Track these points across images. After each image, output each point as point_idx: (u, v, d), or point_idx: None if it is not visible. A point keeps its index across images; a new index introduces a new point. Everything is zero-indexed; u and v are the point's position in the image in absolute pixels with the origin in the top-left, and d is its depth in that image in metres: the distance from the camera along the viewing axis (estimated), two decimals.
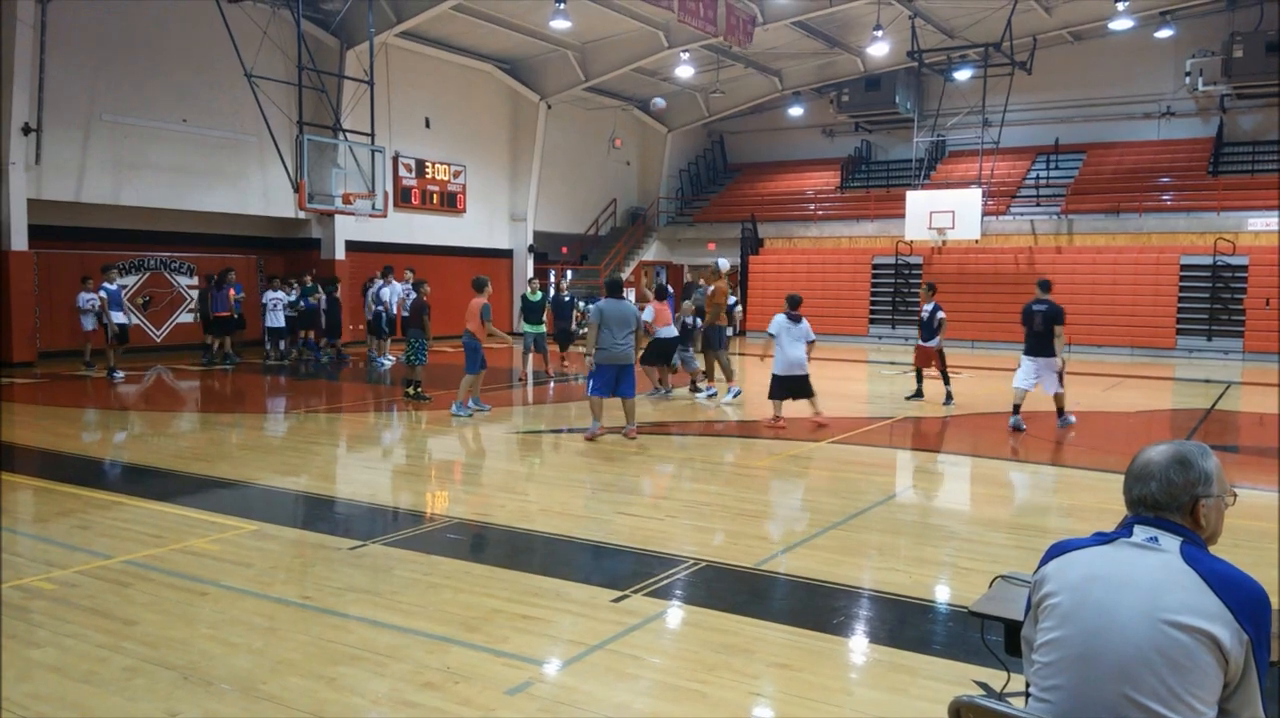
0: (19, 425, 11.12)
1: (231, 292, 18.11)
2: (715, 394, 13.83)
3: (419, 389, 13.32)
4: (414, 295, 13.86)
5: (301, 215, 20.95)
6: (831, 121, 31.39)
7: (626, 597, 5.25)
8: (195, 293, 18.41)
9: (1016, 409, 11.48)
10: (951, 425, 12.37)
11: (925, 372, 13.97)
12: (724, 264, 14.95)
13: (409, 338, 13.45)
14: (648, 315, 12.69)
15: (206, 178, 19.51)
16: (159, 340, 20.17)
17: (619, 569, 5.84)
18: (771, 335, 11.23)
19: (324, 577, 5.60)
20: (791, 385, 11.21)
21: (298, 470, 8.96)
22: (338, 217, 21.30)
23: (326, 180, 19.52)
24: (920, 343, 13.76)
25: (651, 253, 31.26)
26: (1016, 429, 11.27)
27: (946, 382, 13.64)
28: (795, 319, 11.18)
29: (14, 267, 16.62)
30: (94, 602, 5.06)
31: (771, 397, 11.35)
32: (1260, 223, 23.38)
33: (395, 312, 18.70)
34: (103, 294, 16.00)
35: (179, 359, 18.52)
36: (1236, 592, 2.08)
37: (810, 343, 11.24)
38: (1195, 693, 2.06)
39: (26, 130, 16.46)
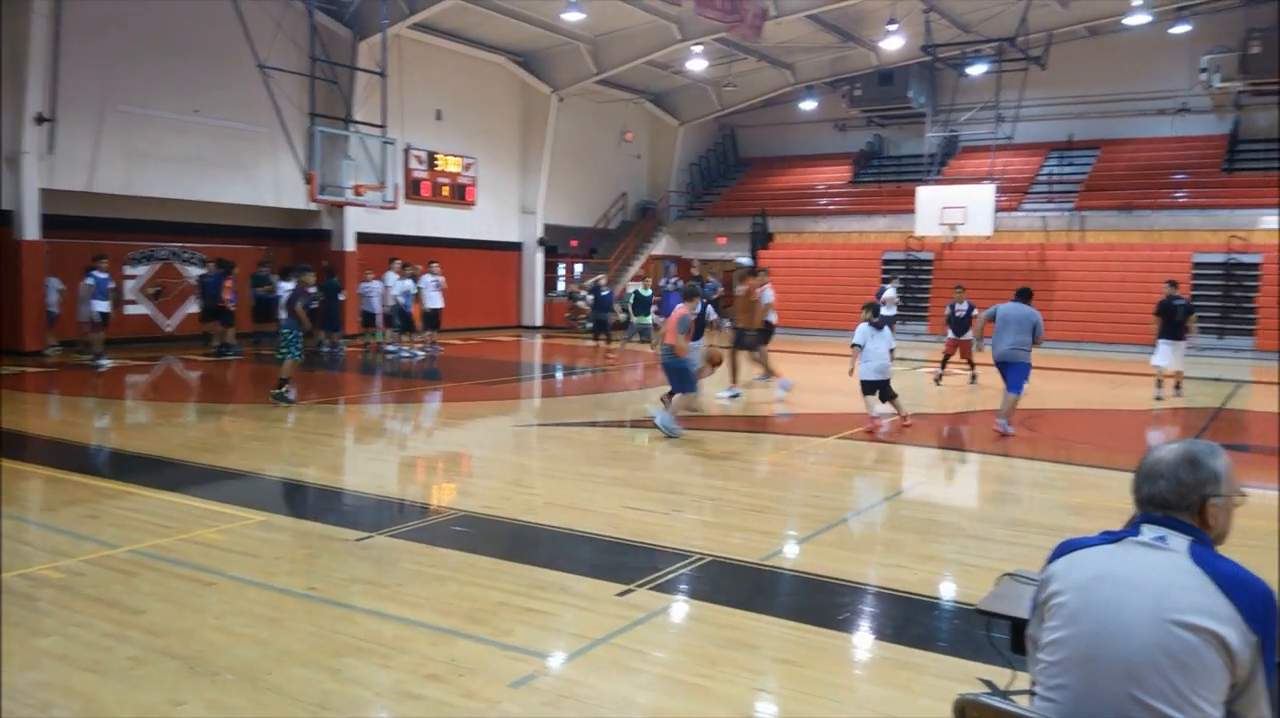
0: (29, 414, 11.17)
1: (229, 283, 18.14)
2: (738, 395, 13.56)
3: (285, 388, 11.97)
4: (291, 286, 12.71)
5: (312, 207, 20.98)
6: (843, 116, 31.28)
7: (631, 591, 5.24)
8: (207, 282, 18.37)
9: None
10: (958, 422, 12.33)
11: (952, 360, 16.01)
12: (744, 262, 14.75)
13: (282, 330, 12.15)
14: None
15: (218, 168, 19.54)
16: (169, 331, 20.24)
17: (624, 563, 5.83)
18: (857, 345, 11.07)
19: (329, 568, 5.61)
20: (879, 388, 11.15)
21: (306, 462, 8.98)
22: (349, 208, 21.33)
23: (337, 172, 19.56)
24: (953, 337, 15.97)
25: (661, 247, 31.22)
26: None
27: (972, 366, 15.74)
28: (878, 326, 11.13)
29: (26, 256, 16.68)
30: (100, 591, 5.08)
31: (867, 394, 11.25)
32: (1274, 220, 23.21)
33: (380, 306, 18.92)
34: (90, 282, 15.95)
35: (190, 350, 18.57)
36: (1244, 592, 2.06)
37: (891, 350, 11.46)
38: (1202, 694, 2.04)
39: (40, 120, 16.51)
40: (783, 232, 29.80)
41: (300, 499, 7.66)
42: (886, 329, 11.25)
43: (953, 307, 15.99)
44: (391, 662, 4.24)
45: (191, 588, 5.19)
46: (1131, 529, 2.25)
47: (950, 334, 16.06)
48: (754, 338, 13.64)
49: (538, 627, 4.73)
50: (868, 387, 11.12)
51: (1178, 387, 14.58)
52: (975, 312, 15.20)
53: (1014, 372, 10.65)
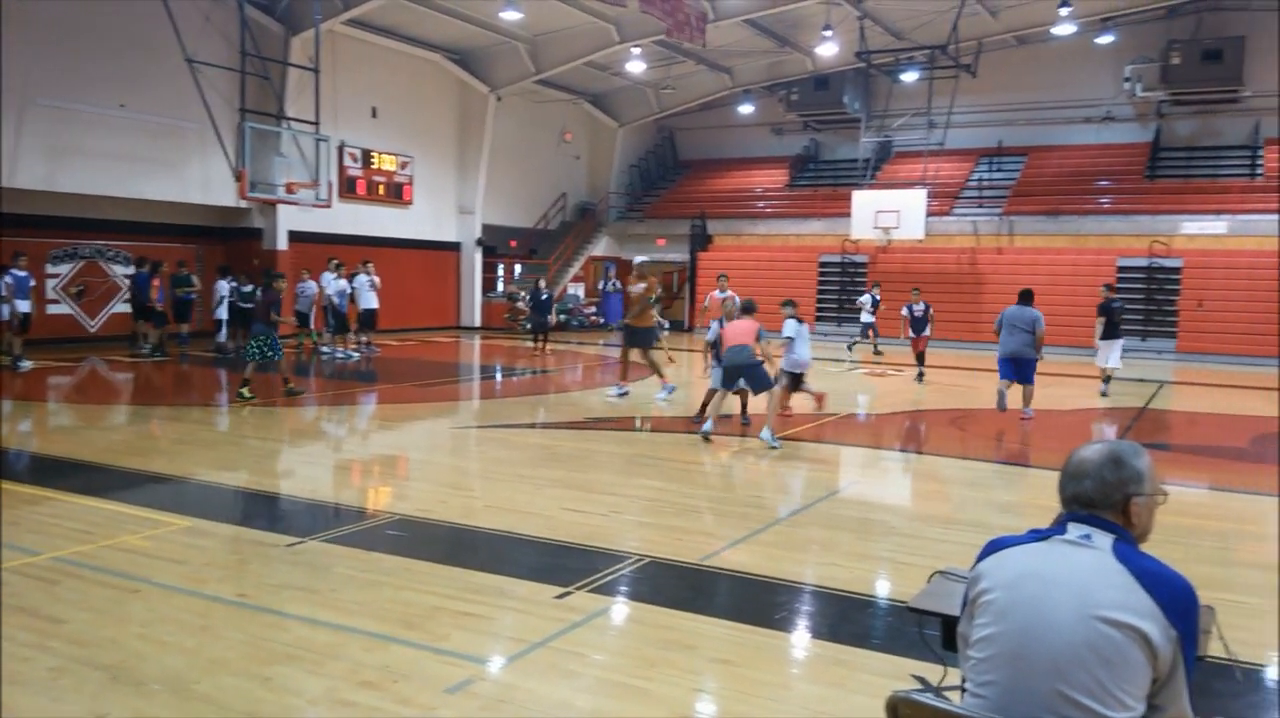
0: None
1: (156, 282, 17.68)
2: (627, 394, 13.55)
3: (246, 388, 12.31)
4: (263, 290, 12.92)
5: (243, 205, 20.54)
6: (781, 120, 31.59)
7: (569, 593, 5.22)
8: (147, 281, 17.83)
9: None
10: (894, 422, 12.54)
11: (878, 358, 17.38)
12: (640, 260, 14.67)
13: (255, 332, 12.50)
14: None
15: (145, 165, 19.00)
16: (94, 331, 19.64)
17: (563, 566, 5.80)
18: (790, 338, 11.47)
19: (260, 574, 5.49)
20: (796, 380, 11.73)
21: (236, 465, 8.78)
22: (280, 206, 20.92)
23: (269, 169, 19.19)
24: (914, 335, 17.15)
25: (601, 248, 31.20)
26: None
27: (920, 361, 16.88)
28: (801, 321, 11.68)
29: None
30: (20, 600, 4.90)
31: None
32: (1194, 226, 24.05)
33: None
34: (9, 280, 15.37)
35: (116, 350, 18.04)
36: (1166, 589, 2.12)
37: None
38: (1125, 688, 2.10)
39: None
40: (722, 234, 29.99)
41: (230, 504, 7.49)
42: (805, 326, 11.71)
43: (910, 307, 17.17)
44: (324, 669, 4.16)
45: (116, 596, 5.04)
46: (1058, 528, 2.30)
47: (911, 333, 17.21)
48: (642, 337, 13.50)
49: (474, 631, 4.69)
50: (788, 378, 11.52)
51: (1105, 381, 15.23)
52: (931, 311, 17.13)
53: (1026, 366, 12.16)
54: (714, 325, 11.89)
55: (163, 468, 8.32)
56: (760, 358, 10.19)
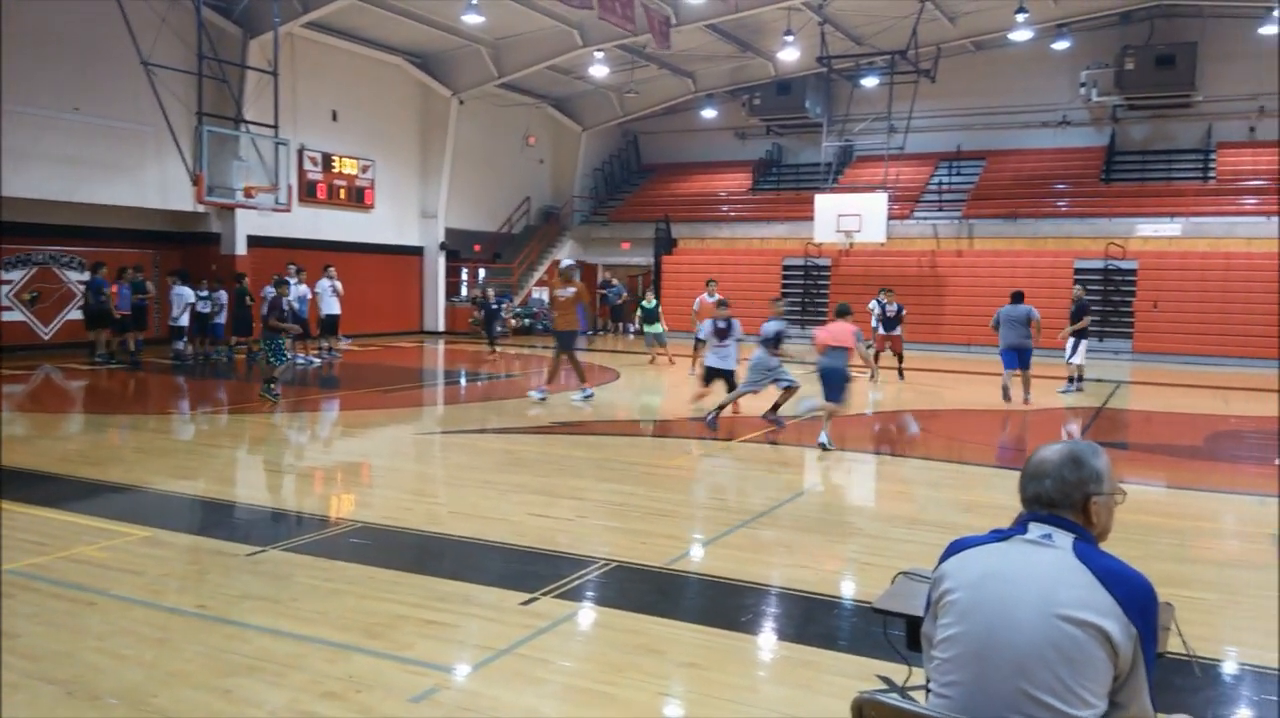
0: None
1: (115, 288, 17.38)
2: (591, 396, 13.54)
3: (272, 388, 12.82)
4: (273, 293, 13.30)
5: (200, 209, 20.24)
6: (743, 124, 31.72)
7: (535, 599, 5.19)
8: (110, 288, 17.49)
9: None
10: (858, 424, 12.61)
11: (882, 354, 17.29)
12: (568, 263, 14.44)
13: (265, 338, 12.98)
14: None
15: (99, 169, 18.67)
16: (48, 338, 19.24)
17: (528, 572, 5.77)
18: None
19: (220, 584, 5.40)
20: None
21: (195, 474, 8.64)
22: (239, 211, 20.66)
23: (227, 173, 18.94)
24: (883, 333, 17.40)
25: (565, 251, 31.13)
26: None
27: (900, 360, 17.29)
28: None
29: None
30: None
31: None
32: (1149, 229, 24.48)
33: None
34: None
35: (70, 358, 17.70)
36: (1125, 587, 2.15)
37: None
38: (1087, 686, 2.12)
39: None
40: (686, 237, 30.05)
41: (189, 513, 7.36)
42: (735, 324, 12.16)
43: (883, 307, 17.41)
44: (285, 680, 4.10)
45: (71, 609, 4.93)
46: (1019, 527, 2.32)
47: (881, 331, 17.47)
48: (568, 339, 13.44)
49: (439, 639, 4.64)
50: (712, 373, 12.08)
51: (1071, 379, 15.71)
52: (903, 311, 17.39)
53: (1026, 354, 13.76)
54: (706, 325, 12.85)
55: (120, 478, 8.17)
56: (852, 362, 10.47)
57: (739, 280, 27.18)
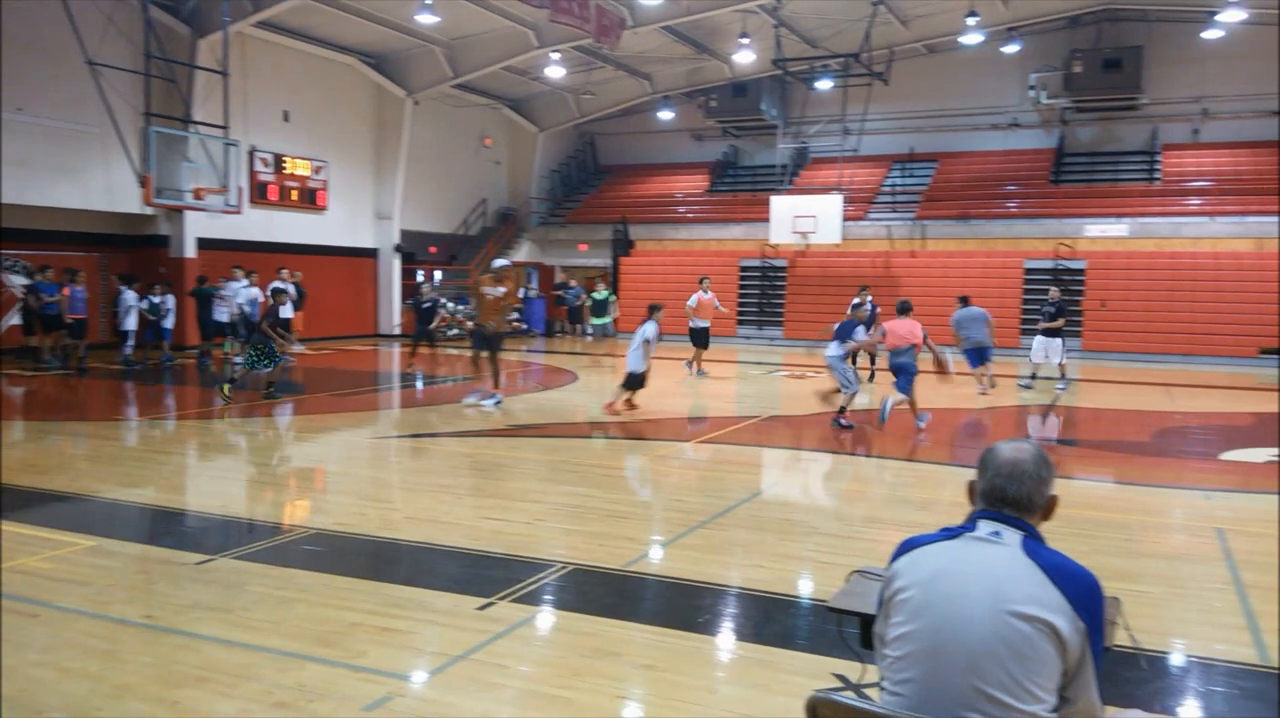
0: None
1: (66, 291, 16.99)
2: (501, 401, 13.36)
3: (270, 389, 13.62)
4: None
5: (149, 211, 19.86)
6: (700, 126, 31.82)
7: (492, 604, 5.15)
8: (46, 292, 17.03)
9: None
10: (813, 423, 12.70)
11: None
12: (498, 264, 13.99)
13: (254, 340, 13.58)
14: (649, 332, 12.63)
15: (44, 171, 18.24)
16: None
17: (485, 576, 5.73)
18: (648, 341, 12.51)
19: (168, 594, 5.30)
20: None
21: (143, 482, 8.47)
22: (188, 213, 20.30)
23: (176, 175, 18.59)
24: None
25: (523, 253, 31.01)
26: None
27: (873, 361, 17.22)
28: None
29: None
30: None
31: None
32: (1097, 229, 24.95)
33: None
34: None
35: (12, 363, 17.24)
36: (1073, 583, 2.18)
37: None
38: (1037, 681, 2.14)
39: None
40: (644, 238, 30.07)
41: (136, 522, 7.21)
42: (646, 324, 12.48)
43: (857, 307, 17.44)
44: (235, 691, 4.03)
45: (13, 622, 4.79)
46: (968, 525, 2.34)
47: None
48: (496, 341, 13.14)
49: (394, 646, 4.58)
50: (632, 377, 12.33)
51: (1033, 377, 16.44)
52: (878, 310, 16.88)
53: (987, 350, 15.10)
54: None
55: (65, 486, 7.98)
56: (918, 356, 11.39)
57: (695, 281, 27.26)
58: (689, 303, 17.72)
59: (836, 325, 15.35)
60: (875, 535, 6.85)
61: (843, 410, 11.64)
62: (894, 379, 11.53)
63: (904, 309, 11.59)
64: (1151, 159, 27.16)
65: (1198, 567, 6.21)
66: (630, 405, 12.55)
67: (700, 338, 17.58)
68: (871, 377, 17.00)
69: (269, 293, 14.09)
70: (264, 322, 13.57)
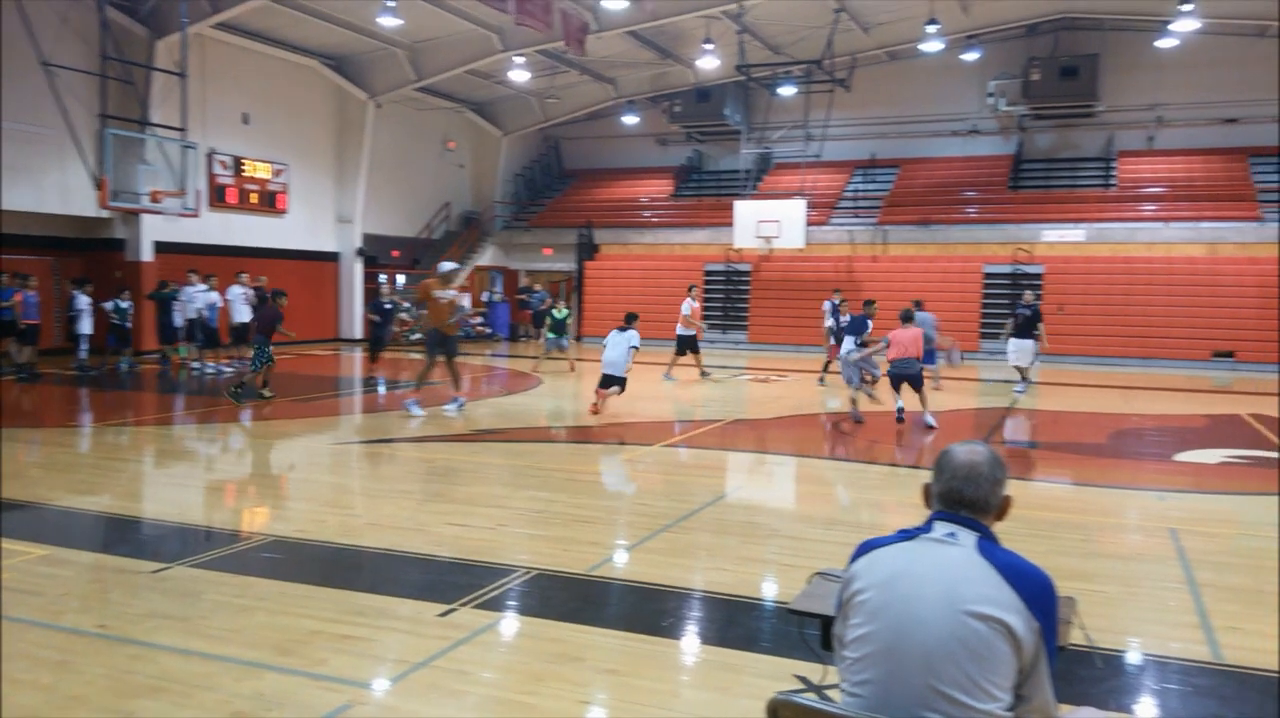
0: None
1: (19, 297, 16.65)
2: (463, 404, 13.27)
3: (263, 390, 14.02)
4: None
5: (104, 214, 19.55)
6: (664, 131, 31.91)
7: (454, 610, 5.12)
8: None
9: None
10: (777, 427, 12.77)
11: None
12: (446, 267, 13.78)
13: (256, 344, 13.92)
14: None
15: None
16: None
17: (447, 583, 5.69)
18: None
19: (123, 603, 5.20)
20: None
21: (97, 489, 8.31)
22: (145, 216, 20.00)
23: (133, 177, 18.32)
24: (834, 343, 16.99)
25: (487, 258, 30.91)
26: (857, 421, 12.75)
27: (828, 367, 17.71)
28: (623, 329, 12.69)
29: None
30: None
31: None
32: (1055, 234, 25.34)
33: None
34: None
35: None
36: (1027, 582, 2.21)
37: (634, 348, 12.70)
38: (993, 680, 2.17)
39: None
40: (608, 243, 30.08)
41: (91, 530, 7.08)
42: (630, 332, 12.68)
43: (837, 315, 17.58)
44: (192, 700, 3.96)
45: None
46: (925, 527, 2.37)
47: (832, 341, 17.48)
48: (452, 344, 12.97)
49: (354, 654, 4.54)
50: (604, 379, 12.56)
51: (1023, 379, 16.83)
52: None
53: (935, 354, 15.52)
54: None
55: (18, 494, 7.81)
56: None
57: (661, 286, 27.32)
58: (683, 310, 18.19)
59: (848, 321, 15.88)
60: (837, 537, 6.90)
61: (854, 403, 12.56)
62: (899, 387, 12.06)
63: (908, 318, 12.22)
64: (1107, 165, 27.65)
65: (1152, 566, 6.31)
66: (596, 409, 12.53)
67: (691, 343, 18.08)
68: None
69: (272, 296, 14.39)
70: (273, 327, 13.85)
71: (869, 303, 14.53)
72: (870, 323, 12.99)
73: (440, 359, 12.96)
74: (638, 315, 13.56)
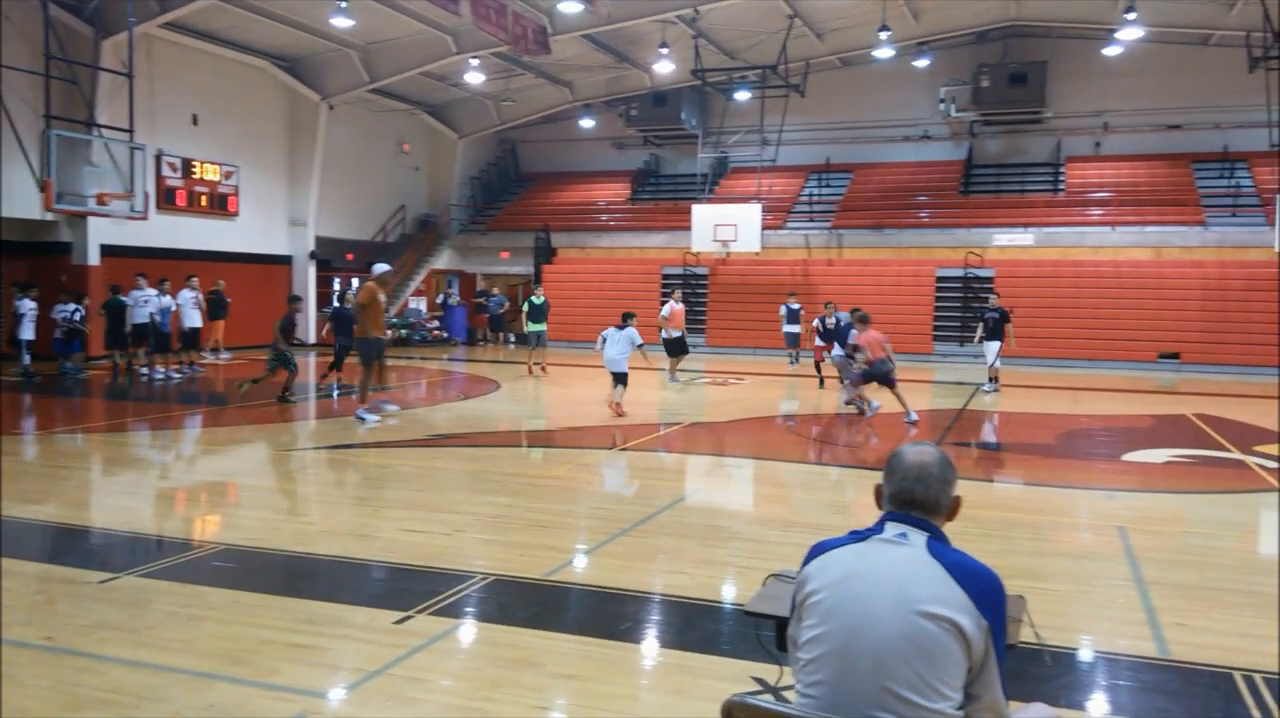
0: None
1: None
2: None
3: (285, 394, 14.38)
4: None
5: (49, 217, 19.12)
6: (621, 135, 31.94)
7: (410, 618, 5.07)
8: None
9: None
10: (736, 429, 12.83)
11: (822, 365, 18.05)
12: (380, 269, 13.44)
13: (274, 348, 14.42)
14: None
15: None
16: None
17: (403, 589, 5.64)
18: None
19: (69, 614, 5.09)
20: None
21: (41, 498, 8.11)
22: (91, 219, 19.59)
23: (78, 179, 17.96)
24: (820, 344, 17.68)
25: (443, 261, 30.70)
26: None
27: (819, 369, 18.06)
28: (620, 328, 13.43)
29: None
30: None
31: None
32: (1005, 238, 25.77)
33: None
34: None
35: None
36: (976, 581, 2.24)
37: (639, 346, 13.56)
38: (944, 679, 2.19)
39: None
40: (566, 246, 30.04)
41: (34, 540, 6.90)
42: (629, 330, 13.44)
43: (823, 320, 17.61)
44: (140, 712, 3.89)
45: None
46: (876, 528, 2.40)
47: (819, 342, 17.86)
48: (378, 346, 12.70)
49: (307, 663, 4.48)
50: (614, 377, 13.34)
51: (993, 380, 17.28)
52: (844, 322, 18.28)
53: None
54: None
55: None
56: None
57: (619, 289, 27.34)
58: (662, 313, 18.64)
59: (832, 325, 16.35)
60: (794, 539, 6.94)
61: (862, 398, 13.50)
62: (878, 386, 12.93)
63: (865, 320, 13.01)
64: (1056, 171, 28.18)
65: (1101, 564, 6.43)
66: (621, 411, 13.06)
67: (677, 347, 18.44)
68: (821, 383, 17.45)
69: (288, 300, 15.14)
70: (288, 331, 14.41)
71: (855, 310, 14.24)
72: (855, 330, 13.34)
73: (376, 364, 12.71)
74: (634, 314, 14.03)
